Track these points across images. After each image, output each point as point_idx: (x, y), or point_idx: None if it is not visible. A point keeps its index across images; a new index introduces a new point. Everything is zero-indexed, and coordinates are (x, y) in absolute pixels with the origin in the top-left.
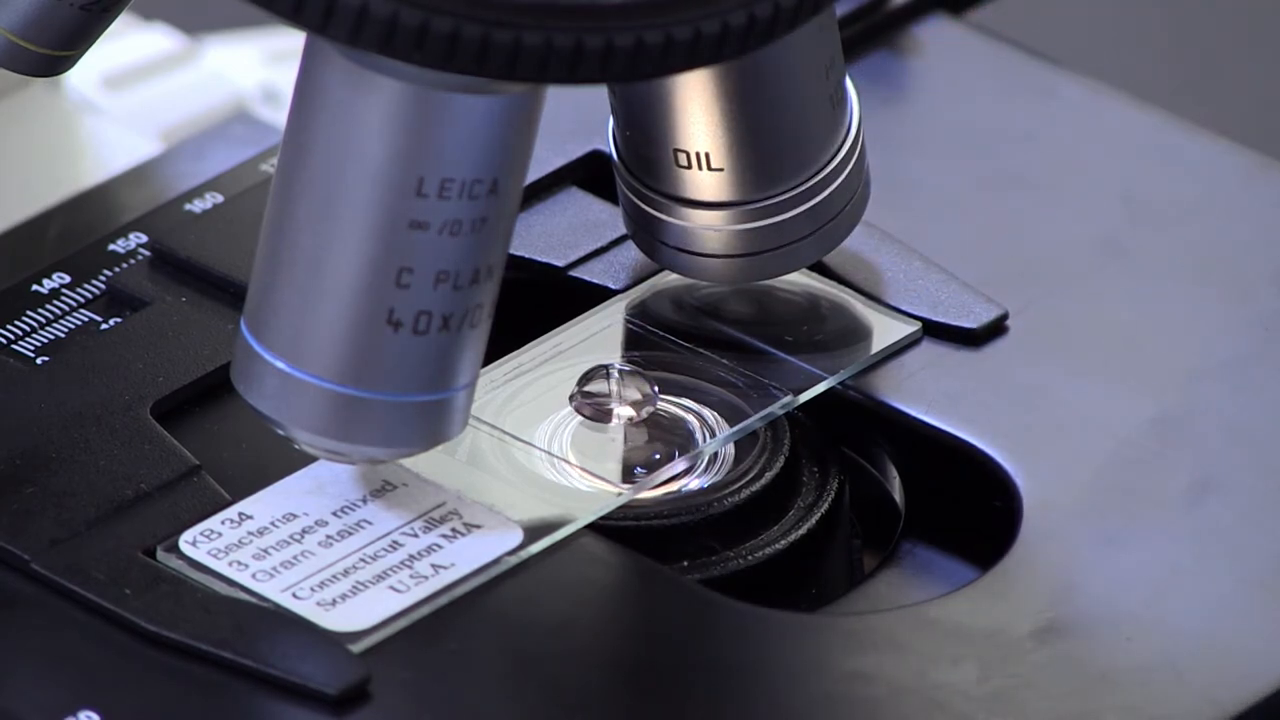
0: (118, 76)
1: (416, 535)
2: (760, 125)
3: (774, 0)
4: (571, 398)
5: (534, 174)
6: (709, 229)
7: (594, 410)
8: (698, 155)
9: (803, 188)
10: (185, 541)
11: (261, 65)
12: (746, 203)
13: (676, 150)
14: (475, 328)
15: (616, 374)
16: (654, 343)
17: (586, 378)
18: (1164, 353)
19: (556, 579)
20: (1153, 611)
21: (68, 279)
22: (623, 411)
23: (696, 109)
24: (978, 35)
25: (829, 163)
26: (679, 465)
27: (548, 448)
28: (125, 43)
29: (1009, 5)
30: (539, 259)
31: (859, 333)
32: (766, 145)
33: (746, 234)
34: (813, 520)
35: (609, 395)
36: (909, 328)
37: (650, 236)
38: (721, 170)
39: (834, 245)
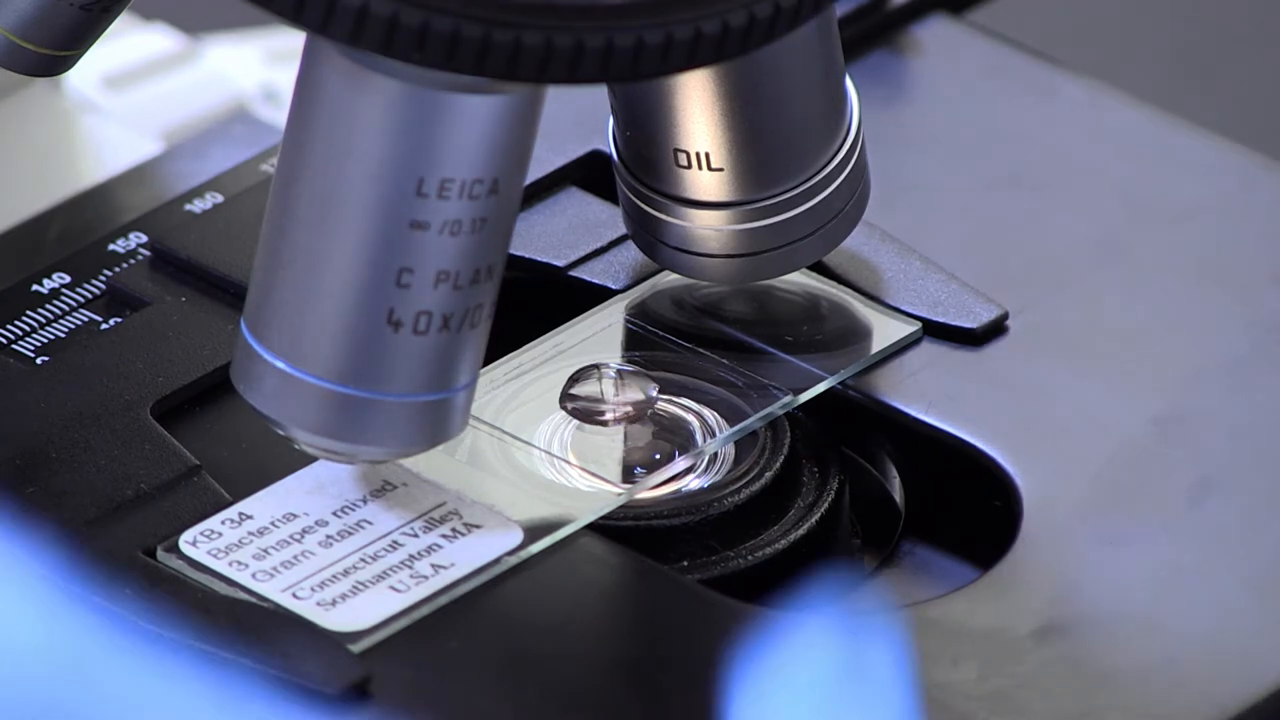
0: (118, 76)
1: (416, 535)
2: (760, 125)
3: (774, 0)
4: (562, 399)
5: (534, 174)
6: (709, 229)
7: (582, 411)
8: (698, 155)
9: (803, 188)
10: (185, 541)
11: (261, 65)
12: (746, 203)
13: (676, 150)
14: (475, 328)
15: (607, 374)
16: (654, 343)
17: (575, 379)
18: (1164, 353)
19: (556, 579)
20: (1153, 611)
21: (68, 279)
22: (613, 413)
23: (696, 109)
24: (978, 35)
25: (829, 162)
26: (679, 465)
27: (548, 448)
28: (125, 43)
29: (1009, 5)
30: (539, 259)
31: (859, 333)
32: (766, 145)
33: (746, 234)
34: (813, 520)
35: (599, 396)
36: (909, 328)
37: (650, 236)
38: (721, 170)
39: (834, 245)
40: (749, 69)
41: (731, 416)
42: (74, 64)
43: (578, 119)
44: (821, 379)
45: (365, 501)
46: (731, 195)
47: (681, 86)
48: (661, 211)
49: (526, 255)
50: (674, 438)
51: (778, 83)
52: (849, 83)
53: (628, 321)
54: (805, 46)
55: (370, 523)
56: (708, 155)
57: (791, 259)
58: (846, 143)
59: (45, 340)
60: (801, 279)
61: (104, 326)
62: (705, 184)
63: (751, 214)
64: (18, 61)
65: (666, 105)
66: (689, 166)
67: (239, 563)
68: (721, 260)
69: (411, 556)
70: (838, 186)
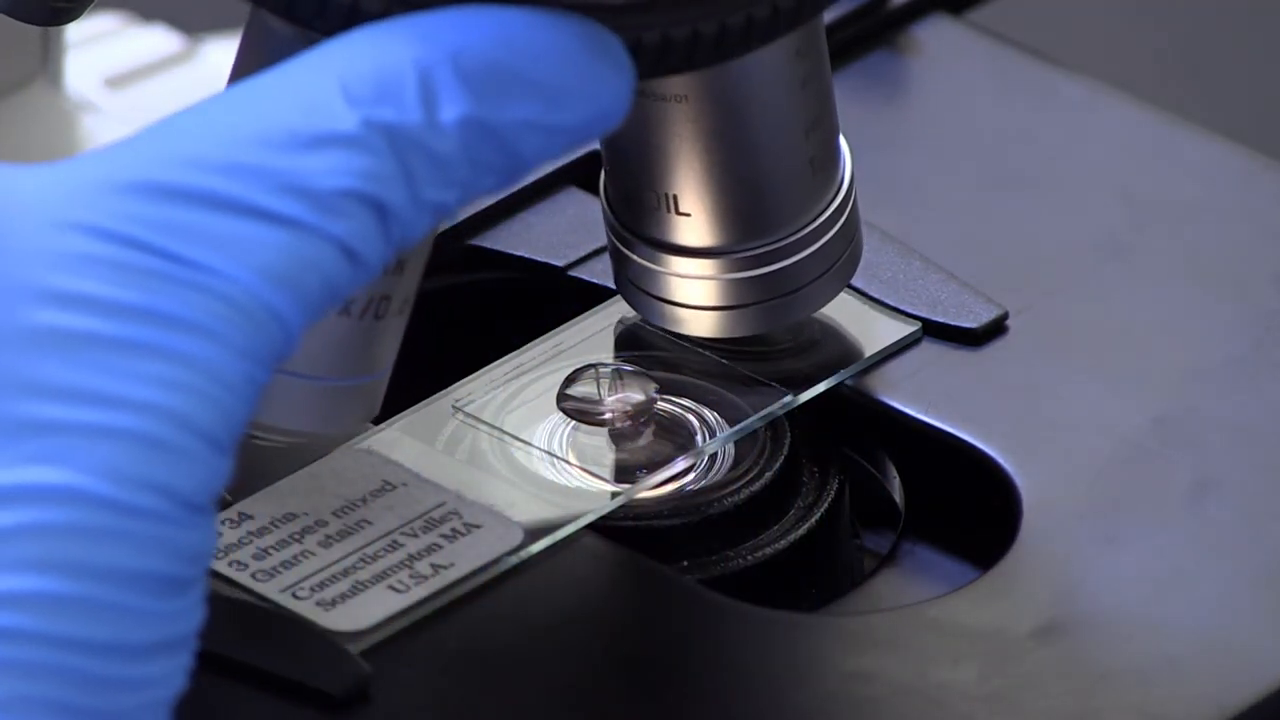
0: (118, 76)
1: (416, 535)
2: (730, 175)
3: (745, 15)
4: (559, 399)
5: (534, 174)
6: (669, 274)
7: (579, 411)
8: (666, 197)
9: (771, 247)
10: None
11: None
12: (710, 253)
13: (647, 190)
14: (380, 319)
15: (605, 374)
16: (654, 342)
17: (572, 379)
18: (1164, 353)
19: (556, 579)
20: (1153, 611)
21: None
22: (611, 412)
23: (665, 150)
24: (978, 35)
25: (804, 227)
26: (679, 465)
27: (548, 447)
28: (125, 43)
29: (1009, 5)
30: (539, 259)
31: (859, 333)
32: (734, 196)
33: (708, 286)
34: (813, 520)
35: (595, 396)
36: (909, 328)
37: (621, 273)
38: (689, 215)
39: (798, 315)
40: (721, 117)
41: (731, 416)
42: (78, 16)
43: None
44: (821, 379)
45: (365, 501)
46: (696, 241)
47: (655, 126)
48: (629, 249)
49: (526, 255)
50: (674, 438)
51: (749, 134)
52: (844, 153)
53: (628, 321)
54: (780, 104)
55: (370, 523)
56: (675, 198)
57: (747, 321)
58: (828, 209)
59: None
60: None
61: None
62: (672, 227)
63: (717, 266)
64: (22, 10)
65: (639, 143)
66: (657, 207)
67: (239, 563)
68: (672, 307)
69: (411, 556)
70: (811, 254)
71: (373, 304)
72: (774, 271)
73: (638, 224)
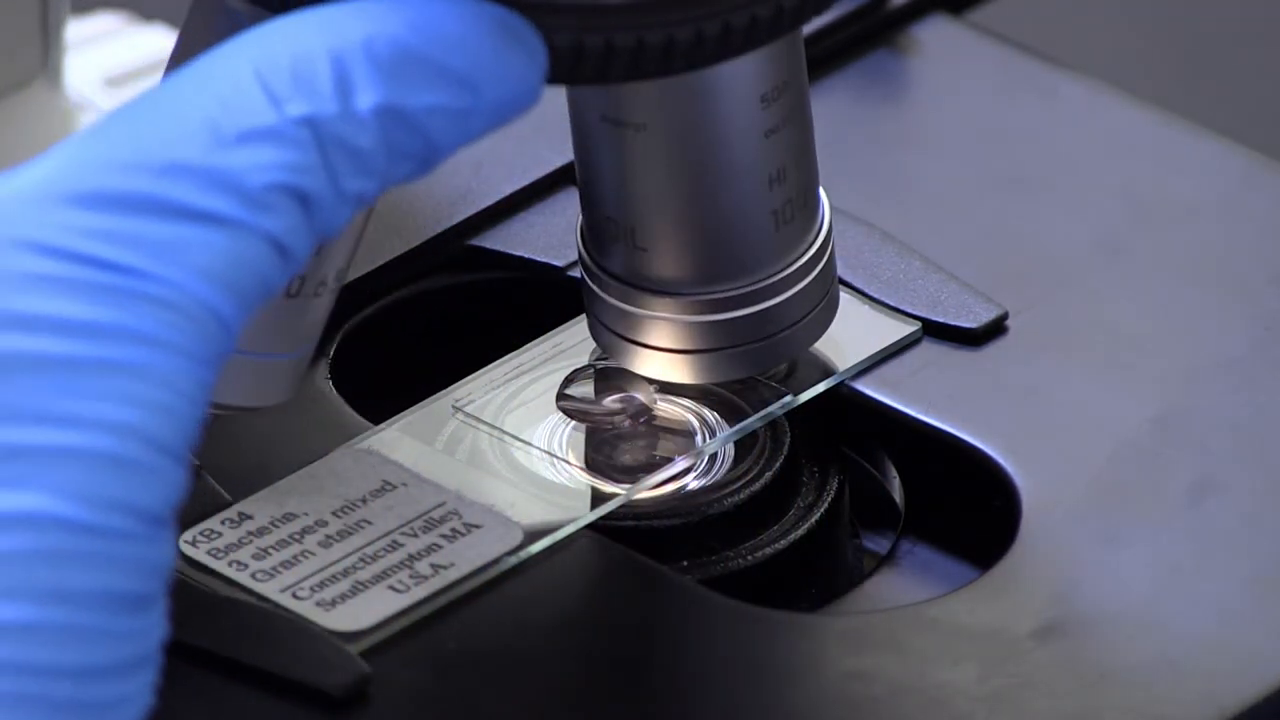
0: (118, 76)
1: (416, 535)
2: (680, 215)
3: (666, 35)
4: (558, 399)
5: (534, 174)
6: (625, 307)
7: (577, 411)
8: (624, 228)
9: (721, 295)
10: (185, 541)
11: None
12: (652, 290)
13: (607, 219)
14: (292, 298)
15: (603, 374)
16: None
17: (570, 379)
18: (1164, 353)
19: (556, 579)
20: (1153, 611)
21: None
22: (608, 414)
23: (621, 179)
24: (978, 35)
25: (763, 280)
26: (679, 465)
27: (548, 447)
28: (125, 43)
29: (1009, 5)
30: (539, 259)
31: (859, 333)
32: (689, 237)
33: (647, 324)
34: (813, 520)
35: (595, 397)
36: (909, 328)
37: (588, 309)
38: (644, 250)
39: (756, 370)
40: (676, 152)
41: (731, 416)
42: None
43: None
44: (821, 379)
45: (365, 501)
46: (651, 277)
47: (613, 152)
48: (594, 282)
49: (526, 255)
50: (674, 438)
51: (703, 174)
52: (822, 204)
53: None
54: (740, 147)
55: (370, 523)
56: (633, 230)
57: (704, 368)
58: (795, 263)
59: None
60: None
61: None
62: (629, 261)
63: (671, 306)
64: None
65: (600, 169)
66: (616, 239)
67: (239, 563)
68: (626, 344)
69: (411, 556)
70: (775, 306)
71: (288, 280)
72: (733, 319)
73: (602, 256)
